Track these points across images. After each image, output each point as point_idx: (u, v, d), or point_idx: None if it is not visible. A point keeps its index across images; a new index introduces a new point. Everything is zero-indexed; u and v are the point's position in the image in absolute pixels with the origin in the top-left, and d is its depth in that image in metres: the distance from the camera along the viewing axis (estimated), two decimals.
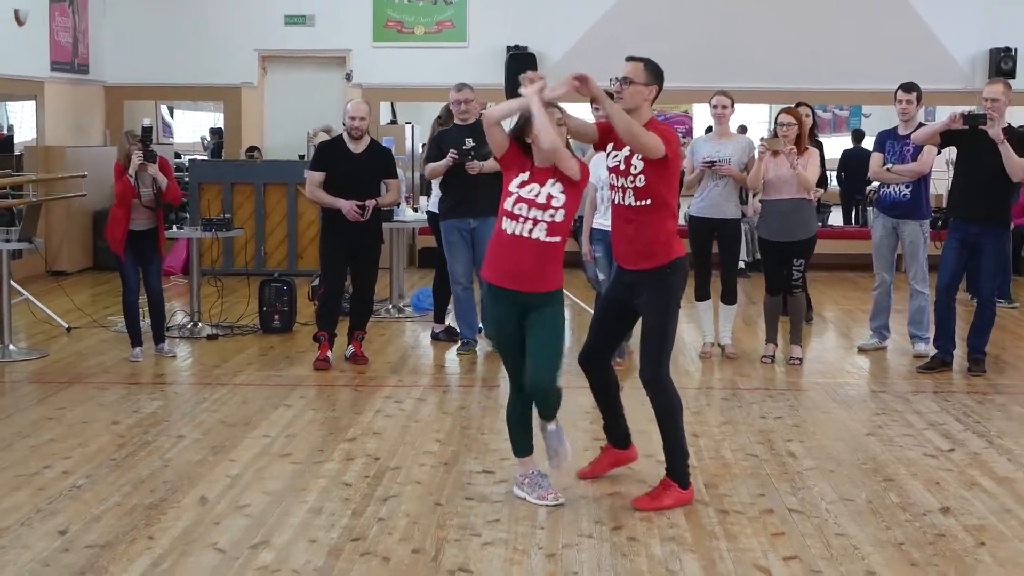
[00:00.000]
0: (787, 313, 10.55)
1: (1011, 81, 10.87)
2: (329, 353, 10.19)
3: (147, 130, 10.27)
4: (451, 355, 10.86)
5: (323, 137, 13.32)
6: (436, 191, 11.31)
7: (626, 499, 6.53)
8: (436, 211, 11.21)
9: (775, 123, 10.32)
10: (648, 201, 6.45)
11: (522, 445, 6.63)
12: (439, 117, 11.84)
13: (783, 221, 10.15)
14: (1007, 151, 9.44)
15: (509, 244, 6.34)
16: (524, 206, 6.29)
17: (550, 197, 6.30)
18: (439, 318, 11.63)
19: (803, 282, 10.52)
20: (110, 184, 10.34)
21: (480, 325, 10.21)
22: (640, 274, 6.54)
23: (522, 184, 6.35)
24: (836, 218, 19.88)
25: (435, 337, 11.53)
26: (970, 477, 7.10)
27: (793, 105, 10.67)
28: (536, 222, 6.28)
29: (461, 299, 10.76)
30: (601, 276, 10.18)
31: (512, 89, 13.76)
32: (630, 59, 6.52)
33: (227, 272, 14.72)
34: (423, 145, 14.44)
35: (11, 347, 10.63)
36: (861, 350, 11.04)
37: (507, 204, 6.34)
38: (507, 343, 6.53)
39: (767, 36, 18.29)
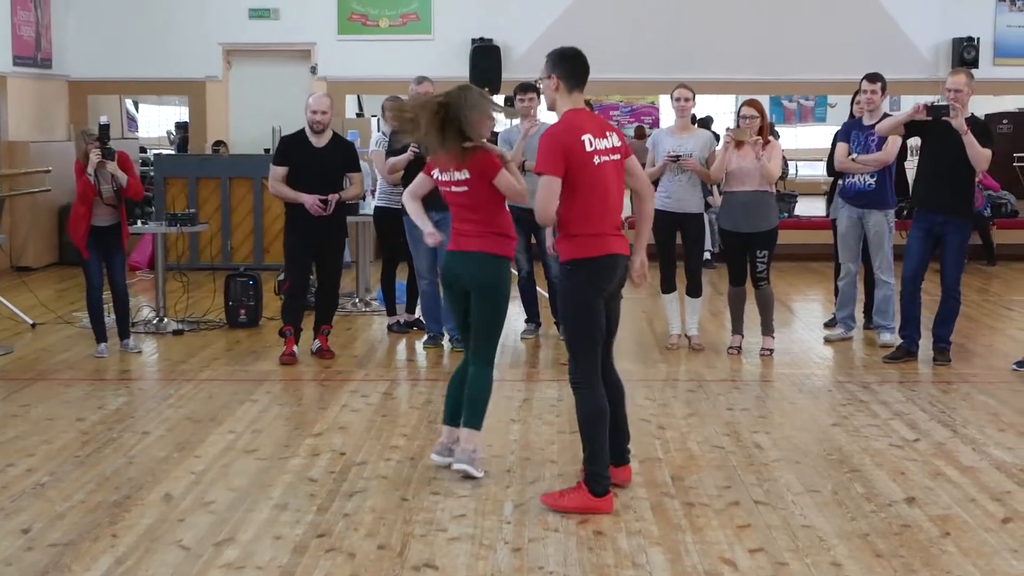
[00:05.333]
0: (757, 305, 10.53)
1: (973, 71, 10.90)
2: (295, 348, 10.16)
3: (104, 127, 10.17)
4: (417, 349, 10.84)
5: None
6: (382, 185, 11.30)
7: None
8: (383, 205, 11.25)
9: (738, 115, 10.34)
10: None
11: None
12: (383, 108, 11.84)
13: (745, 212, 10.14)
14: (971, 141, 9.48)
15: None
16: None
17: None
18: (392, 311, 11.60)
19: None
20: (74, 180, 10.28)
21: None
22: None
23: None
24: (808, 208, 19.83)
25: (390, 329, 11.51)
26: (935, 467, 7.13)
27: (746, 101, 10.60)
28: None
29: (427, 293, 10.71)
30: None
31: (477, 83, 13.78)
32: None
33: (193, 267, 14.67)
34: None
35: None
36: (827, 340, 11.08)
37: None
38: None
39: (732, 27, 18.30)
